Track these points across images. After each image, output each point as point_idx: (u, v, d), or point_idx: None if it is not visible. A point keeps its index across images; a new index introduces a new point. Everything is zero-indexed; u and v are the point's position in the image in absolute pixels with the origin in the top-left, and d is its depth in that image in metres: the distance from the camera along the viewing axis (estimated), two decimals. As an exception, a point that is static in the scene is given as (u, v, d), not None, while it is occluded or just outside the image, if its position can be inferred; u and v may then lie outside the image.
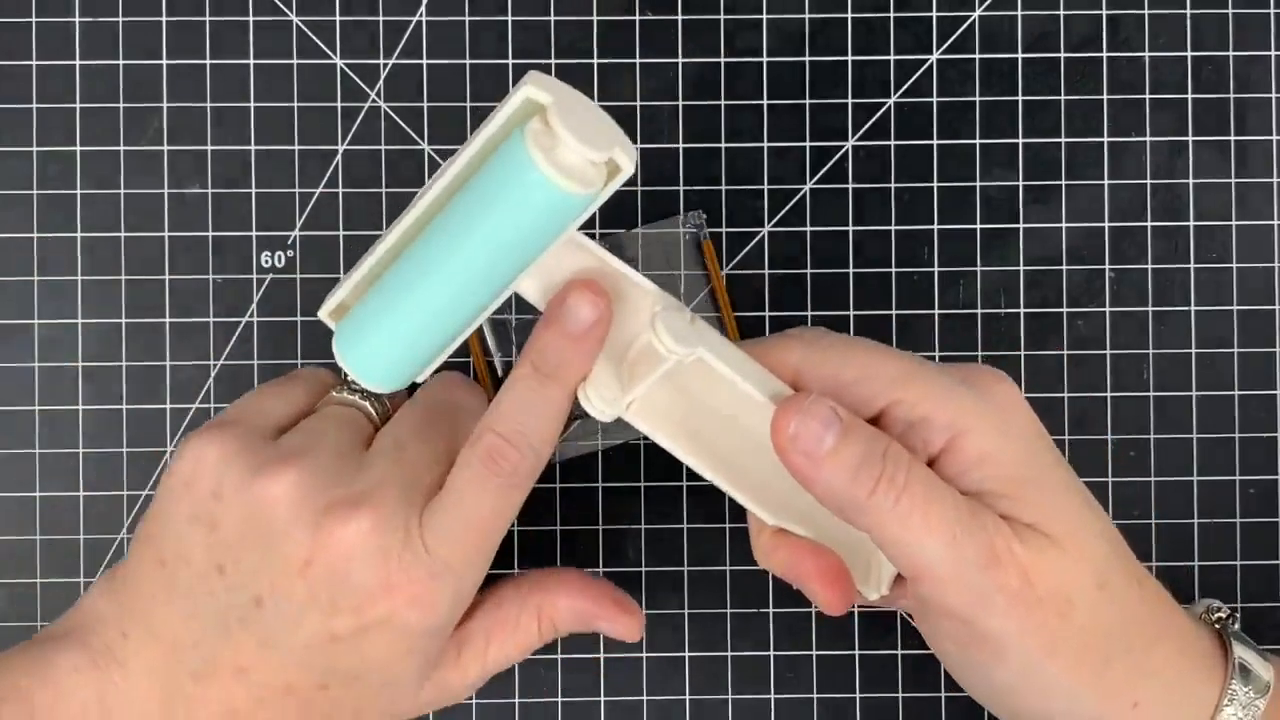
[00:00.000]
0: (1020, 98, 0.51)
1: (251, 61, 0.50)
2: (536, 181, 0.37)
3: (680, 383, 0.41)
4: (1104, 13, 0.51)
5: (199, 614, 0.40)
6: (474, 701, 0.50)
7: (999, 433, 0.40)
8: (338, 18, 0.51)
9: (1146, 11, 0.51)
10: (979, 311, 0.51)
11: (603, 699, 0.50)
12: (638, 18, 0.51)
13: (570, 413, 0.49)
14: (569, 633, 0.45)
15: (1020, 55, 0.51)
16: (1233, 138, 0.51)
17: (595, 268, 0.41)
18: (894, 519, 0.38)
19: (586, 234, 0.41)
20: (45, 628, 0.43)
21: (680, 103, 0.51)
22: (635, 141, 0.50)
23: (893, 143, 0.51)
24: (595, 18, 0.51)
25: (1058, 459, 0.41)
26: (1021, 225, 0.51)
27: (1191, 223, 0.51)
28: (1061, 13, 0.51)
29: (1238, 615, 0.44)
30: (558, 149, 0.37)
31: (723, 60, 0.51)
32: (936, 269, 0.51)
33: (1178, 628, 0.41)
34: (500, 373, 0.50)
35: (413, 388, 0.45)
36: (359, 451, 0.42)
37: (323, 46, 0.51)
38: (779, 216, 0.51)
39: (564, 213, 0.38)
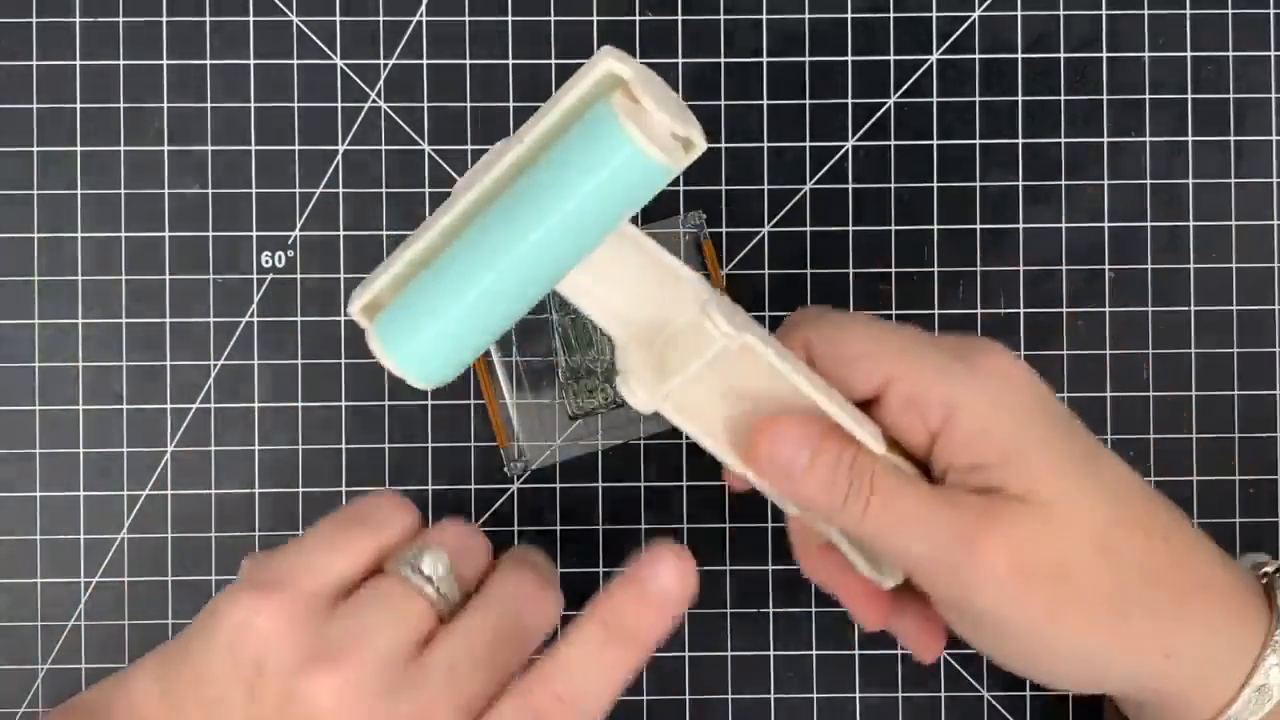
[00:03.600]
0: (1020, 98, 0.51)
1: (251, 61, 0.51)
2: (631, 154, 0.36)
3: (717, 377, 0.41)
4: (1104, 13, 0.51)
5: None
6: (474, 701, 0.50)
7: (991, 405, 0.40)
8: (338, 18, 0.51)
9: (1146, 11, 0.51)
10: (979, 311, 0.51)
11: (603, 699, 0.50)
12: (638, 18, 0.51)
13: (570, 413, 0.50)
14: None
15: (1020, 55, 0.51)
16: (1232, 138, 0.51)
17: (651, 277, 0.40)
18: (868, 521, 0.39)
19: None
20: (86, 697, 0.41)
21: (680, 103, 0.51)
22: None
23: (893, 143, 0.51)
24: (595, 18, 0.51)
25: (1058, 419, 0.41)
26: (1021, 225, 0.51)
27: (1191, 223, 0.51)
28: (1061, 13, 0.51)
29: None
30: (644, 120, 0.36)
31: (723, 60, 0.51)
32: (936, 269, 0.51)
33: (1216, 579, 0.41)
34: (500, 373, 0.50)
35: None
36: (413, 658, 0.38)
37: (323, 46, 0.51)
38: (779, 216, 0.51)
39: (650, 184, 0.37)
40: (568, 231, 0.37)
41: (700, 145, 0.37)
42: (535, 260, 0.38)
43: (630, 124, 0.36)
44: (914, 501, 0.39)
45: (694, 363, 0.39)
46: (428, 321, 0.38)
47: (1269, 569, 0.43)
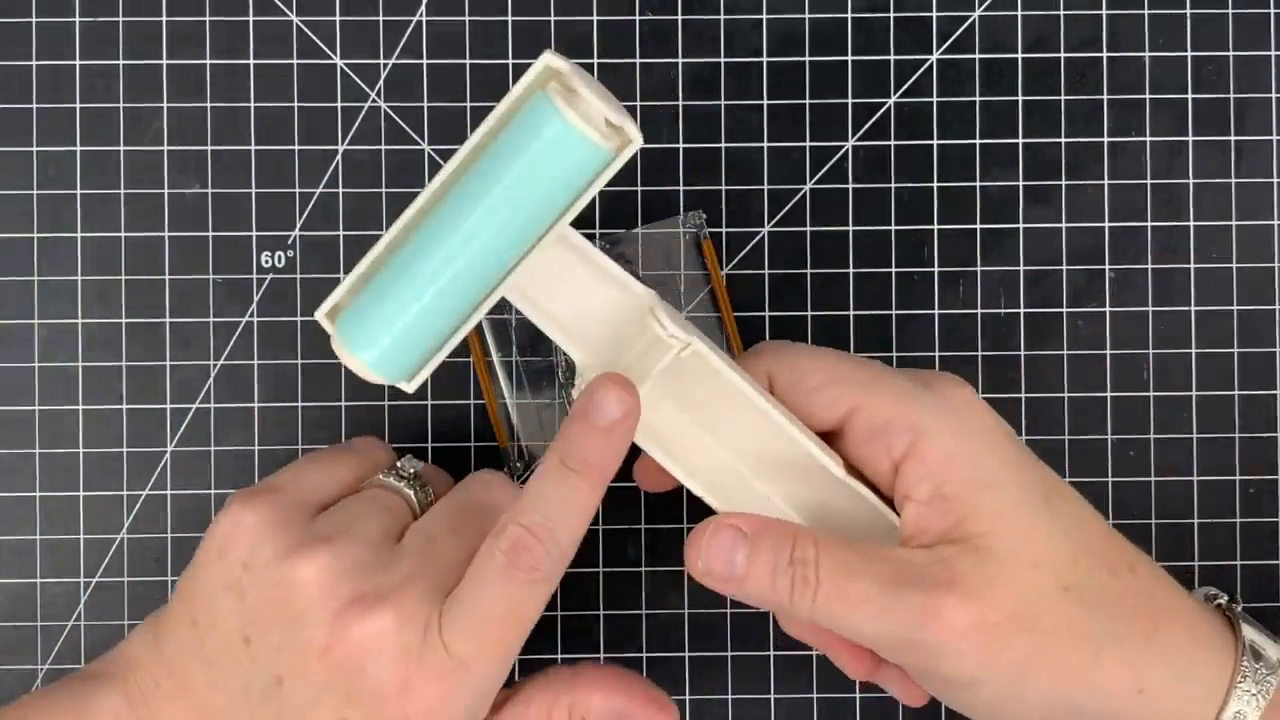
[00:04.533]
0: (1020, 98, 0.51)
1: (251, 61, 0.51)
2: (561, 128, 0.37)
3: (675, 399, 0.41)
4: (1104, 13, 0.51)
5: (226, 682, 0.41)
6: (474, 701, 0.50)
7: (957, 434, 0.40)
8: (338, 18, 0.51)
9: (1146, 11, 0.51)
10: (979, 311, 0.51)
11: (603, 699, 0.50)
12: (638, 18, 0.51)
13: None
14: None
15: (1020, 55, 0.51)
16: (1233, 138, 0.51)
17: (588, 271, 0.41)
18: (819, 611, 0.39)
19: (584, 234, 0.41)
20: (88, 665, 0.43)
21: (680, 103, 0.51)
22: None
23: (893, 143, 0.51)
24: (595, 18, 0.51)
25: (1019, 456, 0.41)
26: (1021, 225, 0.51)
27: (1191, 223, 0.51)
28: (1061, 13, 0.51)
29: (1239, 599, 0.44)
30: (578, 105, 0.38)
31: (723, 60, 0.51)
32: (936, 269, 0.51)
33: (1181, 610, 0.41)
34: (500, 373, 0.50)
35: (457, 476, 0.45)
36: (391, 541, 0.42)
37: (323, 46, 0.51)
38: (779, 216, 0.51)
39: (585, 164, 0.38)
40: (506, 211, 0.38)
41: (635, 139, 0.38)
42: (478, 244, 0.39)
43: (560, 101, 0.38)
44: (865, 583, 0.39)
45: (649, 376, 0.40)
46: (380, 313, 0.40)
47: (1220, 600, 0.43)
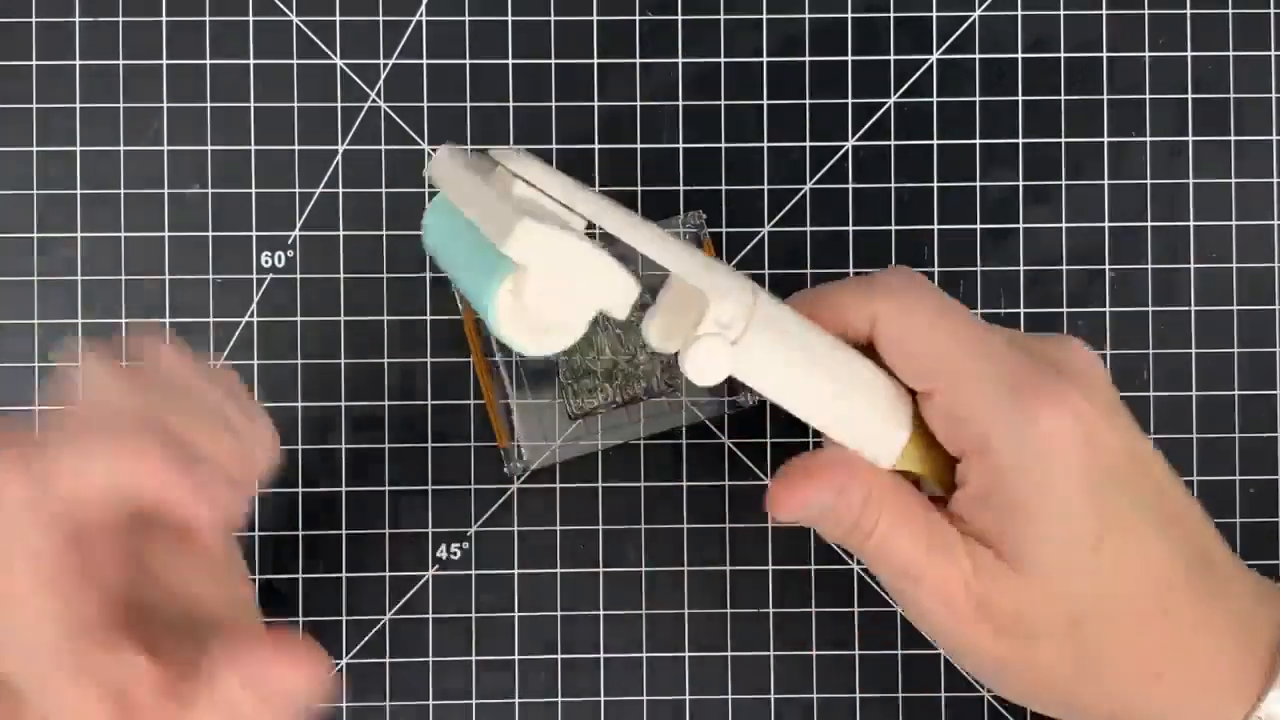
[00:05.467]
0: (1020, 98, 0.51)
1: (251, 61, 0.51)
2: (497, 328, 0.37)
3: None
4: (1104, 13, 0.51)
5: None
6: (473, 702, 0.50)
7: (1023, 457, 0.38)
8: (338, 18, 0.51)
9: (1146, 11, 0.51)
10: (979, 311, 0.51)
11: (603, 699, 0.50)
12: (638, 18, 0.51)
13: (570, 413, 0.50)
14: None
15: (1020, 55, 0.51)
16: (1233, 138, 0.51)
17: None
18: (868, 557, 0.40)
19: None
20: None
21: (680, 103, 0.51)
22: (635, 141, 0.51)
23: (893, 143, 0.51)
24: (595, 18, 0.51)
25: (1082, 490, 0.39)
26: (1021, 225, 0.51)
27: (1191, 223, 0.51)
28: (1061, 13, 0.51)
29: None
30: (527, 314, 0.37)
31: (723, 60, 0.51)
32: (936, 269, 0.51)
33: (1212, 650, 0.39)
34: (500, 373, 0.50)
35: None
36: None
37: (323, 46, 0.51)
38: (779, 216, 0.51)
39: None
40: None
41: (618, 315, 0.37)
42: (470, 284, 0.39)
43: (506, 316, 0.36)
44: (908, 545, 0.39)
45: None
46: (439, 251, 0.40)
47: None
